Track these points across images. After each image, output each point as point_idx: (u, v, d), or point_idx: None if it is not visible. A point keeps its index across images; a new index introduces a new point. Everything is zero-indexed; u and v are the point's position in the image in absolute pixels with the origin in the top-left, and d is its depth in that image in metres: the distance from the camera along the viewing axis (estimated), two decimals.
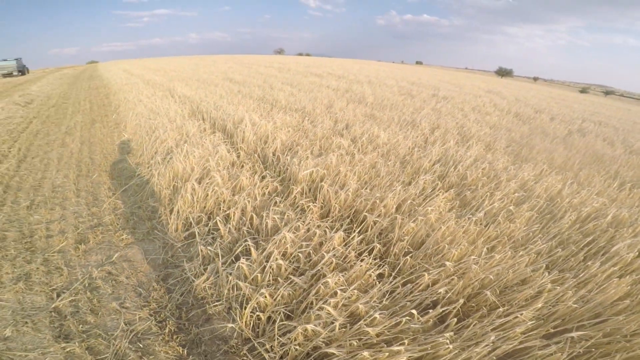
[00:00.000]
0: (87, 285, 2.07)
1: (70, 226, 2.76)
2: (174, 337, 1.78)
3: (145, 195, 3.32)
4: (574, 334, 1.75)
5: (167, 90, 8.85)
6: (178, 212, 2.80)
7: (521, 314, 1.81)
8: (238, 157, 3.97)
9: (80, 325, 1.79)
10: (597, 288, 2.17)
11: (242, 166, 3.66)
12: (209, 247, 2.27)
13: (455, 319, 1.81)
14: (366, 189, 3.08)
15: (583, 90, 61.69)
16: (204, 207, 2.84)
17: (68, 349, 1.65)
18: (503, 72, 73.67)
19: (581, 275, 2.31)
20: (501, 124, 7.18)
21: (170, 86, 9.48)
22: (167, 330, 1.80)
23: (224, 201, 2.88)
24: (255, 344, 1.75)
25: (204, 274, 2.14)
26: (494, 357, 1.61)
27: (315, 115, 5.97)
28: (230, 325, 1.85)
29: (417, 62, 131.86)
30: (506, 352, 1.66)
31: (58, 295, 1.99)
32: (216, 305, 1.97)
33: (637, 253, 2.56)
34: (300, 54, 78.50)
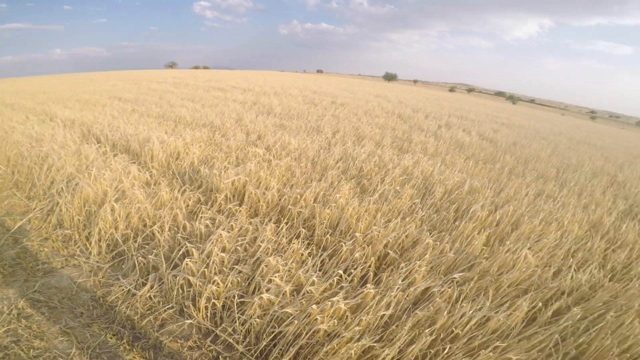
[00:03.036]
0: (16, 315, 1.94)
1: None
2: (135, 344, 1.86)
3: (50, 226, 3.08)
4: (456, 276, 2.36)
5: (44, 114, 7.71)
6: (99, 234, 2.75)
7: (418, 266, 2.39)
8: (151, 175, 3.94)
9: (31, 351, 1.73)
10: (465, 241, 2.93)
11: (159, 183, 3.68)
12: (149, 256, 2.37)
13: (372, 274, 2.40)
14: (287, 188, 3.52)
15: (451, 90, 74.31)
16: (128, 225, 2.85)
17: None
18: (389, 77, 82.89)
19: (453, 233, 3.02)
20: (387, 124, 8.50)
21: (45, 109, 8.25)
22: (125, 340, 1.86)
23: (149, 217, 2.94)
24: (217, 332, 1.98)
25: (146, 284, 2.24)
26: (408, 297, 2.16)
27: (225, 129, 6.14)
28: (188, 321, 2.01)
29: (318, 71, 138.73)
30: (415, 295, 2.21)
31: None
32: (167, 309, 2.11)
33: (488, 212, 3.51)
34: (197, 67, 74.66)
